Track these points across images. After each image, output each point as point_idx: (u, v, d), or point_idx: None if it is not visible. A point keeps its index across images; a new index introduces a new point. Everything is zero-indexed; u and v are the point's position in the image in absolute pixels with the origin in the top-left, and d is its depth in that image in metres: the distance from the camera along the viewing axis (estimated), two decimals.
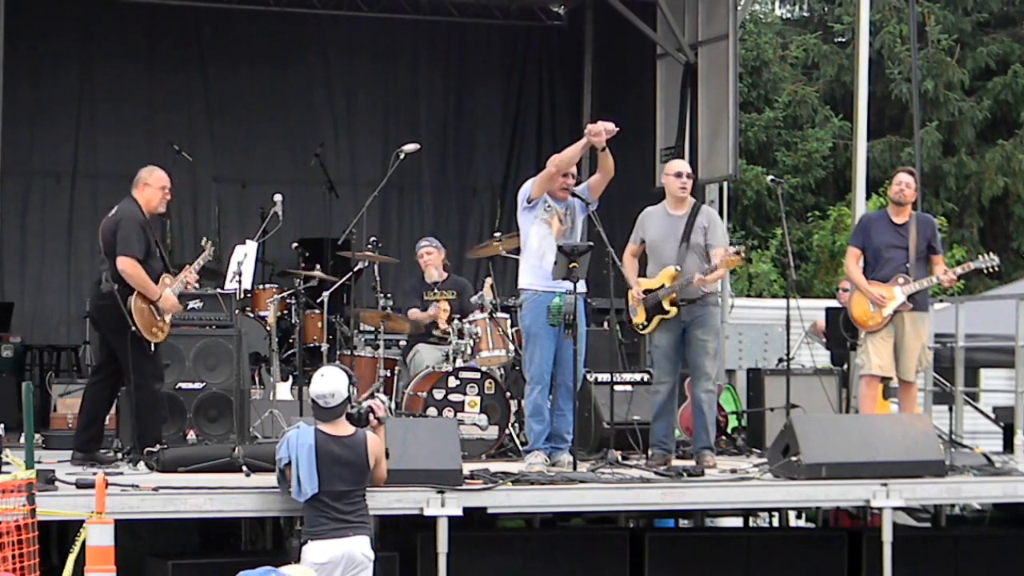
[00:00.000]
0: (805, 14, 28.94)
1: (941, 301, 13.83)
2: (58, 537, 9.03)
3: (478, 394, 10.57)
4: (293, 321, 12.12)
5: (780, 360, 12.00)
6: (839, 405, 11.93)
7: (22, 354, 13.58)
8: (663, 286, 9.72)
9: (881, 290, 10.26)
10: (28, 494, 6.84)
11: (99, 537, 6.93)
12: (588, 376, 10.71)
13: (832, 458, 9.12)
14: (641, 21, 14.23)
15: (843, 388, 12.09)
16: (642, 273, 9.94)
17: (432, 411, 10.41)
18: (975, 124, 25.32)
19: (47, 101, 14.86)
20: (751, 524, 12.83)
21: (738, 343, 13.48)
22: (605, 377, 10.49)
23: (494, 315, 10.81)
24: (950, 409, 12.65)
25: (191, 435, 10.26)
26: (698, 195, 13.42)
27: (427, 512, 8.24)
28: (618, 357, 11.33)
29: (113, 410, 9.97)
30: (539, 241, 9.52)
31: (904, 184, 10.42)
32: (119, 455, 9.52)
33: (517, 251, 10.12)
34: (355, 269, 11.81)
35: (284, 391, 11.40)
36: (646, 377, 10.96)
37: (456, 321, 10.95)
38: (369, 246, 11.66)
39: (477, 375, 10.59)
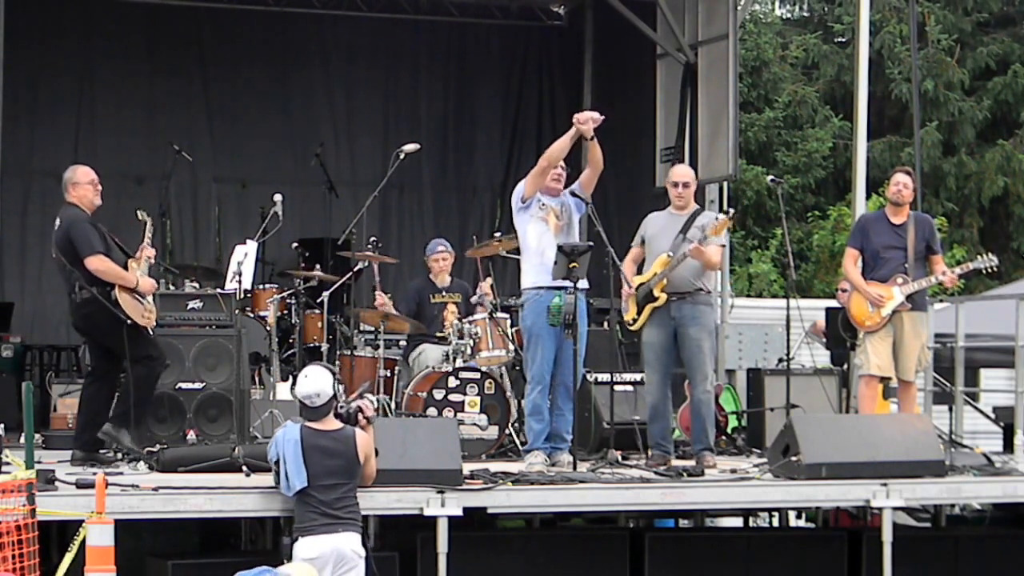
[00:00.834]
0: (805, 14, 28.94)
1: (941, 301, 13.83)
2: (58, 537, 9.02)
3: (478, 394, 10.57)
4: (293, 321, 12.13)
5: (780, 360, 12.00)
6: (839, 405, 11.93)
7: (22, 354, 13.59)
8: (655, 275, 9.74)
9: (879, 290, 10.27)
10: (28, 494, 6.85)
11: (99, 537, 6.94)
12: (588, 376, 10.73)
13: (832, 458, 9.12)
14: (641, 21, 14.23)
15: (843, 388, 12.09)
16: (639, 274, 9.96)
17: (432, 411, 10.41)
18: (975, 124, 25.33)
19: (47, 101, 14.86)
20: (751, 524, 12.83)
21: (738, 343, 13.48)
22: (605, 377, 10.49)
23: (494, 315, 10.82)
24: (950, 409, 12.65)
25: (191, 435, 10.25)
26: (698, 195, 13.47)
27: (427, 512, 8.24)
28: (618, 357, 11.33)
29: None
30: (537, 239, 9.52)
31: (902, 184, 10.41)
32: (119, 455, 9.51)
33: (517, 251, 10.12)
34: (355, 269, 11.81)
35: (284, 391, 11.39)
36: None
37: (456, 321, 10.95)
38: (369, 246, 11.66)
39: (477, 375, 10.59)
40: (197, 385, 10.55)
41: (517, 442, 10.51)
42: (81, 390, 9.87)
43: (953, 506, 12.44)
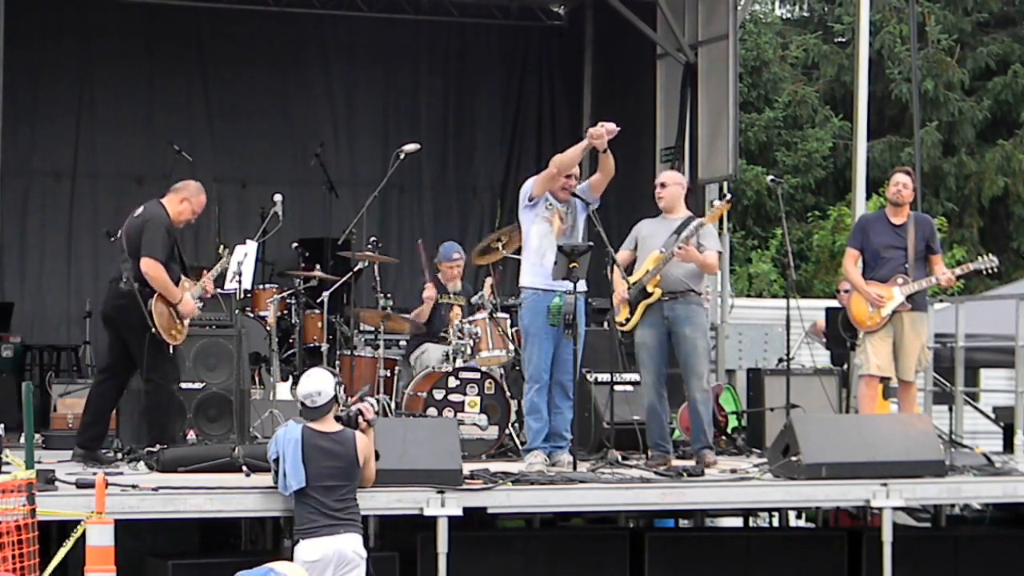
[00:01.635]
0: (805, 14, 28.94)
1: (941, 301, 13.84)
2: (58, 537, 9.00)
3: (478, 394, 10.57)
4: (293, 321, 12.13)
5: (780, 360, 12.00)
6: (839, 405, 11.93)
7: (22, 354, 13.58)
8: (647, 272, 9.75)
9: (879, 290, 10.27)
10: (28, 494, 6.85)
11: (99, 537, 6.94)
12: (588, 376, 10.73)
13: (832, 458, 9.12)
14: (641, 21, 14.23)
15: (843, 388, 12.09)
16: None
17: (432, 411, 10.41)
18: (975, 124, 25.32)
19: (47, 101, 14.86)
20: (751, 524, 12.83)
21: (738, 343, 13.48)
22: (605, 377, 10.49)
23: (494, 315, 10.82)
24: (950, 409, 12.65)
25: (191, 435, 10.24)
26: (698, 195, 13.49)
27: (427, 512, 8.24)
28: (618, 357, 11.32)
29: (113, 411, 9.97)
30: (540, 240, 9.53)
31: (901, 184, 10.41)
32: (119, 455, 9.52)
33: (519, 251, 10.13)
34: (355, 269, 11.81)
35: (284, 391, 11.39)
36: None
37: (456, 321, 10.96)
38: (369, 246, 11.66)
39: (477, 375, 10.59)
40: (197, 385, 10.57)
41: (517, 442, 10.51)
42: (91, 387, 9.88)
43: (953, 506, 12.44)
